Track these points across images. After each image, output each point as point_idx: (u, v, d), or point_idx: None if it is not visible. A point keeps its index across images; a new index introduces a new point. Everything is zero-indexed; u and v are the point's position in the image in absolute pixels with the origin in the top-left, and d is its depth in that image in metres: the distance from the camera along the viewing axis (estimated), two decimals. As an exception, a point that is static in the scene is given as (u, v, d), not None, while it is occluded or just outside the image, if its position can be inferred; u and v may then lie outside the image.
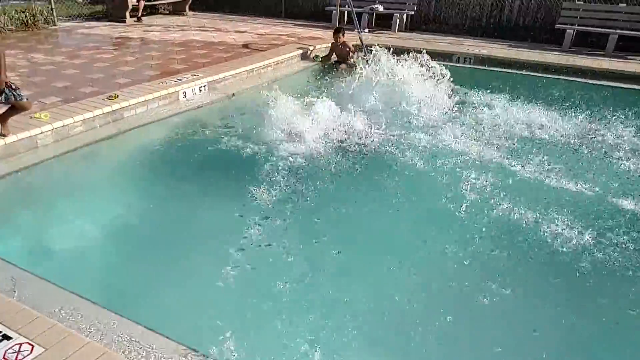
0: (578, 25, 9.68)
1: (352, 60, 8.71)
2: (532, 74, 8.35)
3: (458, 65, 8.79)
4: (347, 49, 8.90)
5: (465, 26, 11.87)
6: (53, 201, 4.41)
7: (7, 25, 10.51)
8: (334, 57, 9.08)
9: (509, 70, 8.52)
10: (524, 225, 4.12)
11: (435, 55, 8.93)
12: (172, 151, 5.47)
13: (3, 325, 2.49)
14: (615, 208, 4.42)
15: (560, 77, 8.23)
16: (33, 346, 2.36)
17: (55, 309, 2.79)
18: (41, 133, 4.99)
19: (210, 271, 3.46)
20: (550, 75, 8.26)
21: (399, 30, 11.31)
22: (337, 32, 8.94)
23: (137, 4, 12.20)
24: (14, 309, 2.62)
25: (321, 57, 9.20)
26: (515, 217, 4.21)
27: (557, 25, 9.85)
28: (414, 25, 11.90)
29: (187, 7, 13.33)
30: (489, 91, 7.36)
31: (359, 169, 5.18)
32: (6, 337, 2.42)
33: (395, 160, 5.31)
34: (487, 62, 8.75)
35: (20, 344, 2.37)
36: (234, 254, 3.64)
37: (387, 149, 5.53)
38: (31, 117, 5.16)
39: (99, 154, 5.23)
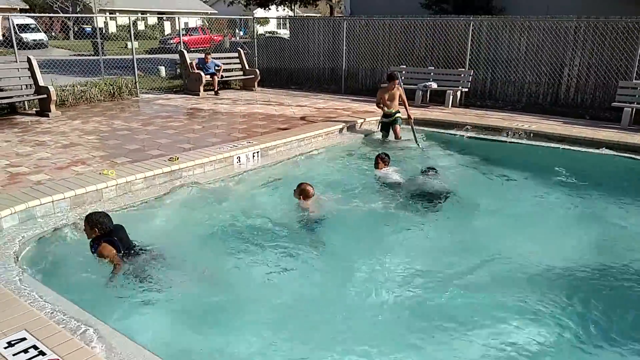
0: (637, 104, 9.56)
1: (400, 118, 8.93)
2: (576, 148, 8.31)
3: (506, 139, 8.91)
4: (400, 98, 8.92)
5: (521, 103, 12.03)
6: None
7: (97, 96, 11.94)
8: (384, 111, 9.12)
9: (554, 145, 8.49)
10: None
11: (483, 129, 9.23)
12: (222, 209, 5.92)
13: (42, 343, 2.92)
14: None
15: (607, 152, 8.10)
16: (61, 363, 2.73)
17: (86, 334, 3.16)
18: (106, 187, 5.62)
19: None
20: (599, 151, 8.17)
21: (452, 106, 11.64)
22: (392, 79, 8.90)
23: (212, 79, 13.44)
24: (53, 330, 3.06)
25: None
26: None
27: (614, 104, 9.78)
28: (468, 101, 12.21)
29: (256, 83, 14.46)
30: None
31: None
32: (42, 353, 2.83)
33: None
34: (535, 137, 8.77)
35: (51, 360, 2.75)
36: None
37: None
38: (100, 174, 5.85)
39: (155, 208, 5.75)
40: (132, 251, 4.48)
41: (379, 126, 9.47)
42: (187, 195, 6.12)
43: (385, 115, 9.21)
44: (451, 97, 11.61)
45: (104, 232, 4.41)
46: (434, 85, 11.90)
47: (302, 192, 5.73)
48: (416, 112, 10.03)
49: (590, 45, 10.93)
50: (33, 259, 4.40)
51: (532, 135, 8.82)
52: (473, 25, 12.01)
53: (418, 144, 8.76)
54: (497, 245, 5.12)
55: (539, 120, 9.88)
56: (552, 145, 8.46)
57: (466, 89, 11.93)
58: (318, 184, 6.28)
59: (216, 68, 13.71)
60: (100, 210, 4.82)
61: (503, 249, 5.03)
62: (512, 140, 8.83)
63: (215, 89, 13.53)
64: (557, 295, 4.20)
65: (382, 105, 9.07)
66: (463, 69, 12.13)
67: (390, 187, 6.55)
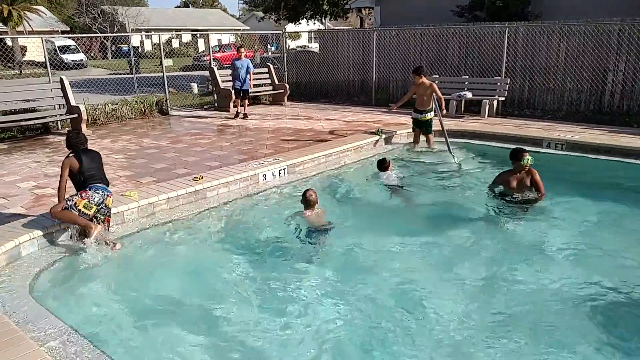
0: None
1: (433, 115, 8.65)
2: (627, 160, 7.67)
3: (548, 151, 8.38)
4: (431, 91, 8.51)
5: (562, 112, 11.45)
6: (122, 271, 4.75)
7: (128, 114, 12.02)
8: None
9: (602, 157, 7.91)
10: None
11: (523, 141, 8.72)
12: (245, 229, 5.73)
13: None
14: None
15: None
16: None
17: None
18: (128, 210, 5.49)
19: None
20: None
21: (489, 116, 11.17)
22: (417, 72, 8.59)
23: (241, 101, 12.06)
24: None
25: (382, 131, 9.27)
26: None
27: (665, 110, 9.14)
28: (506, 110, 11.73)
29: (285, 98, 14.32)
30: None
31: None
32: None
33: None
34: (579, 148, 8.19)
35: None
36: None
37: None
38: (122, 195, 5.73)
39: (177, 230, 5.58)
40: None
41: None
42: (210, 215, 5.96)
43: (415, 111, 8.84)
44: (487, 106, 11.15)
45: (74, 149, 5.05)
46: (469, 95, 11.48)
47: (304, 200, 5.65)
48: (450, 123, 9.63)
49: (637, 49, 10.28)
50: (49, 288, 4.25)
51: (575, 146, 8.26)
52: (509, 32, 11.54)
53: (453, 156, 8.34)
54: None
55: (582, 130, 9.31)
56: (600, 157, 7.87)
57: (503, 98, 11.46)
58: (333, 197, 6.63)
59: (248, 71, 11.89)
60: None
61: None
62: (554, 152, 8.31)
63: (244, 112, 11.94)
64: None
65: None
66: (499, 78, 11.67)
67: (392, 191, 6.85)
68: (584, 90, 11.18)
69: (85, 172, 4.96)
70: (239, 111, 12.14)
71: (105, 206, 4.96)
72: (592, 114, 11.02)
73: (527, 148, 8.46)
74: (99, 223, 4.93)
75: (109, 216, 5.07)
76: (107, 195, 4.98)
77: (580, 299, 4.17)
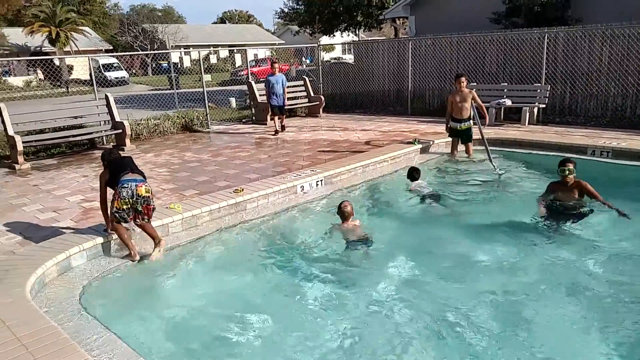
0: None
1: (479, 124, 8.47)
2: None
3: (593, 159, 8.09)
4: (471, 99, 8.40)
5: (606, 118, 11.10)
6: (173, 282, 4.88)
7: (170, 129, 12.36)
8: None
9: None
10: None
11: (566, 148, 8.48)
12: (283, 240, 5.79)
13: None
14: None
15: None
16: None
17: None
18: (172, 222, 5.64)
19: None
20: None
21: (529, 124, 10.94)
22: (459, 77, 8.48)
23: (279, 115, 11.83)
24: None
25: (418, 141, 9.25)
26: None
27: None
28: (546, 118, 11.45)
29: (321, 109, 14.42)
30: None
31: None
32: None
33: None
34: (626, 156, 7.88)
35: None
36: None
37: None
38: (166, 208, 5.90)
39: (219, 241, 5.69)
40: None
41: (449, 132, 8.98)
42: (252, 227, 6.05)
43: (454, 120, 8.67)
44: (527, 114, 10.92)
45: (108, 162, 5.23)
46: (508, 102, 11.29)
47: (339, 212, 5.67)
48: (490, 132, 9.47)
49: (686, 51, 9.89)
50: (98, 299, 4.39)
51: (621, 153, 7.96)
52: (548, 38, 11.30)
53: (494, 166, 8.17)
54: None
55: (628, 136, 8.99)
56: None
57: (543, 105, 11.21)
58: (370, 208, 6.72)
59: (283, 86, 11.69)
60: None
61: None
62: (600, 159, 8.02)
63: (281, 124, 11.85)
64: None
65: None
66: (539, 84, 11.42)
67: (428, 201, 6.78)
68: (630, 95, 10.81)
69: (113, 171, 5.09)
70: (277, 128, 11.73)
71: (139, 196, 4.88)
72: (638, 119, 10.64)
73: (570, 156, 8.27)
74: (139, 216, 4.96)
75: (148, 204, 5.00)
76: (137, 185, 4.90)
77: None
